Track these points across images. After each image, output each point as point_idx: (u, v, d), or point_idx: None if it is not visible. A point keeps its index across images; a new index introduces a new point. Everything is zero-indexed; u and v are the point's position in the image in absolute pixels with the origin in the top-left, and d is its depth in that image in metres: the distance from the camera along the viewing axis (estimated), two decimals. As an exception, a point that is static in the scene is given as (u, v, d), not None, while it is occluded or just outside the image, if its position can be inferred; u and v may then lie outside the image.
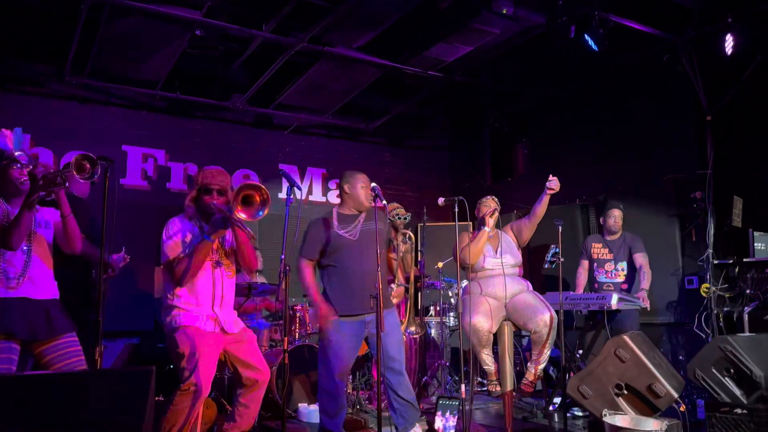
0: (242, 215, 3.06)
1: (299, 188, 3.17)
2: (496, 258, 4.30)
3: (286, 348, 2.96)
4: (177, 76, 5.87)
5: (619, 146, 5.98)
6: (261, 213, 3.10)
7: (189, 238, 3.20)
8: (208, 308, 3.21)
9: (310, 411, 4.57)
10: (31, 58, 5.69)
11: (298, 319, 5.21)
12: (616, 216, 5.12)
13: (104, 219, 2.76)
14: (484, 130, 7.64)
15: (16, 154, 3.08)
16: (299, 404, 4.74)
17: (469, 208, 3.91)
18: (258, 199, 3.08)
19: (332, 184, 7.34)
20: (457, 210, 3.72)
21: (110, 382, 2.09)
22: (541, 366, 4.11)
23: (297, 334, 5.11)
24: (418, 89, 6.53)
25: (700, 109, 5.23)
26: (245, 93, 6.20)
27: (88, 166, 2.84)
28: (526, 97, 6.89)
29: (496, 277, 4.26)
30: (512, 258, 4.36)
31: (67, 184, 2.95)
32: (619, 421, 2.86)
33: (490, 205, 4.38)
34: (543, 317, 4.06)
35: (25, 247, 3.04)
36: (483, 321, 4.12)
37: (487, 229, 4.30)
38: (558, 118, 6.75)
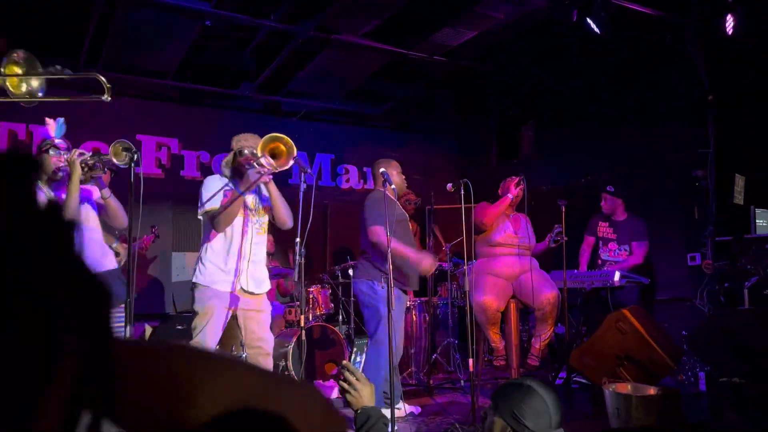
0: (273, 163, 3.25)
1: (311, 174, 3.32)
2: (514, 236, 4.46)
3: (303, 325, 3.13)
4: (188, 66, 6.01)
5: (624, 126, 6.08)
6: (291, 161, 3.26)
7: (225, 193, 3.46)
8: (234, 264, 3.45)
9: (324, 387, 4.76)
10: (47, 52, 5.80)
11: (311, 299, 5.41)
12: (609, 199, 5.24)
13: (131, 206, 2.94)
14: (490, 113, 7.74)
15: (56, 141, 3.25)
16: (314, 381, 4.93)
17: (474, 190, 4.05)
18: (283, 148, 3.24)
19: (341, 169, 7.48)
20: (462, 192, 3.85)
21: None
22: (546, 341, 4.28)
23: (311, 315, 5.31)
24: (425, 74, 6.63)
25: (702, 89, 5.32)
26: (254, 81, 6.33)
27: (125, 153, 3.05)
28: (532, 80, 6.97)
29: (506, 256, 4.42)
30: (528, 241, 4.54)
31: (106, 169, 3.16)
32: (618, 388, 3.02)
33: (514, 179, 4.59)
34: (548, 295, 4.23)
35: None
36: (491, 300, 4.30)
37: (510, 196, 4.49)
38: (563, 100, 6.84)
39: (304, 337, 3.19)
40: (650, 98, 5.84)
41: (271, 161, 3.24)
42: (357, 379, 1.74)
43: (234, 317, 3.61)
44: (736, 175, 5.25)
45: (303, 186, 3.18)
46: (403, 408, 4.04)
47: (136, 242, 4.73)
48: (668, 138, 5.64)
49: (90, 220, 3.39)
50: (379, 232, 3.77)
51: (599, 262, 5.30)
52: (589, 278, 4.68)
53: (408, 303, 5.21)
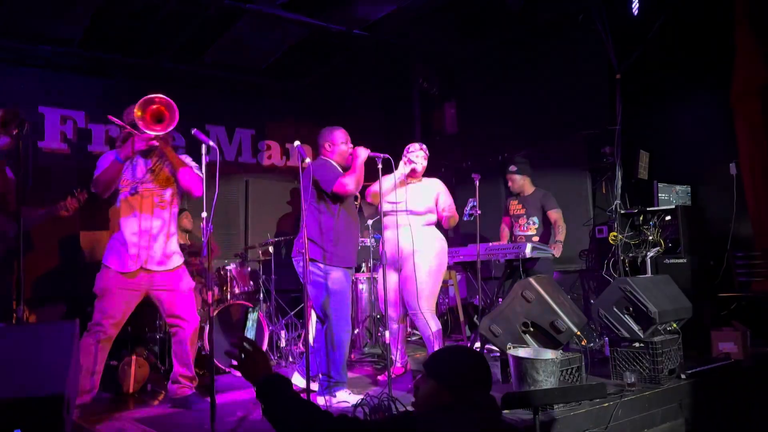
0: (158, 130, 3.31)
1: (214, 147, 3.23)
2: (398, 202, 4.19)
3: (210, 302, 3.06)
4: (95, 34, 5.67)
5: (539, 104, 6.26)
6: (175, 119, 3.32)
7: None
8: (134, 243, 3.42)
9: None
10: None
11: (229, 278, 5.30)
12: (514, 179, 5.45)
13: (20, 181, 2.78)
14: (413, 89, 7.76)
15: None
16: (233, 360, 4.84)
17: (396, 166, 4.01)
18: (162, 108, 3.29)
19: (262, 146, 7.32)
20: (380, 167, 3.75)
21: (33, 335, 2.14)
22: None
23: (229, 294, 5.21)
24: (347, 48, 6.56)
25: (611, 68, 5.53)
26: (168, 51, 6.06)
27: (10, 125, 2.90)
28: (453, 56, 7.03)
29: (395, 225, 4.16)
30: (420, 205, 4.20)
31: None
32: (521, 352, 3.14)
33: (414, 153, 4.33)
34: (414, 307, 4.10)
35: None
36: (392, 311, 4.26)
37: (395, 173, 4.20)
38: (483, 78, 6.96)
39: (212, 314, 3.12)
40: (563, 76, 6.02)
41: (159, 130, 3.25)
42: (251, 348, 1.74)
43: (149, 297, 3.55)
44: (641, 152, 5.51)
45: (205, 159, 3.10)
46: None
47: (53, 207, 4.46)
48: (579, 115, 5.86)
49: None
50: (343, 182, 3.61)
51: (513, 237, 5.51)
52: (502, 250, 4.82)
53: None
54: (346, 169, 3.82)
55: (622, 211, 5.40)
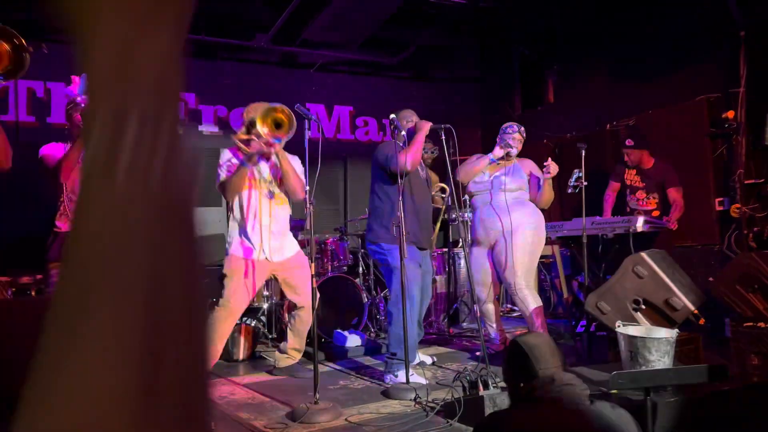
0: (280, 137, 3.30)
1: (316, 121, 3.27)
2: (488, 180, 4.17)
3: (313, 273, 3.14)
4: (201, 16, 5.91)
5: (651, 67, 5.81)
6: (292, 129, 3.28)
7: (231, 165, 3.56)
8: (257, 236, 3.56)
9: (343, 336, 4.81)
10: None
11: (330, 252, 5.42)
12: (631, 153, 5.09)
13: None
14: (513, 57, 7.49)
15: (78, 99, 3.33)
16: (335, 330, 4.98)
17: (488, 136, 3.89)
18: (283, 117, 3.26)
19: (359, 122, 7.38)
20: (444, 137, 3.67)
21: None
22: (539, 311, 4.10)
23: (330, 267, 5.34)
24: (443, 18, 6.41)
25: (734, 24, 5.03)
26: (268, 32, 6.21)
27: None
28: (555, 22, 6.69)
29: (486, 203, 4.15)
30: (511, 182, 4.12)
31: None
32: (632, 330, 2.96)
33: (511, 135, 4.22)
34: (511, 284, 4.01)
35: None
36: (481, 289, 4.20)
37: (490, 156, 4.18)
38: (587, 42, 6.56)
39: (315, 284, 3.20)
40: (679, 35, 5.55)
41: (266, 131, 3.25)
42: None
43: (275, 279, 3.82)
44: (768, 116, 5.00)
45: (308, 134, 3.14)
46: (417, 357, 4.04)
47: None
48: (697, 78, 5.38)
49: None
50: (399, 159, 3.53)
51: (627, 210, 5.17)
52: (611, 225, 4.56)
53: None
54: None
55: (747, 181, 4.94)
